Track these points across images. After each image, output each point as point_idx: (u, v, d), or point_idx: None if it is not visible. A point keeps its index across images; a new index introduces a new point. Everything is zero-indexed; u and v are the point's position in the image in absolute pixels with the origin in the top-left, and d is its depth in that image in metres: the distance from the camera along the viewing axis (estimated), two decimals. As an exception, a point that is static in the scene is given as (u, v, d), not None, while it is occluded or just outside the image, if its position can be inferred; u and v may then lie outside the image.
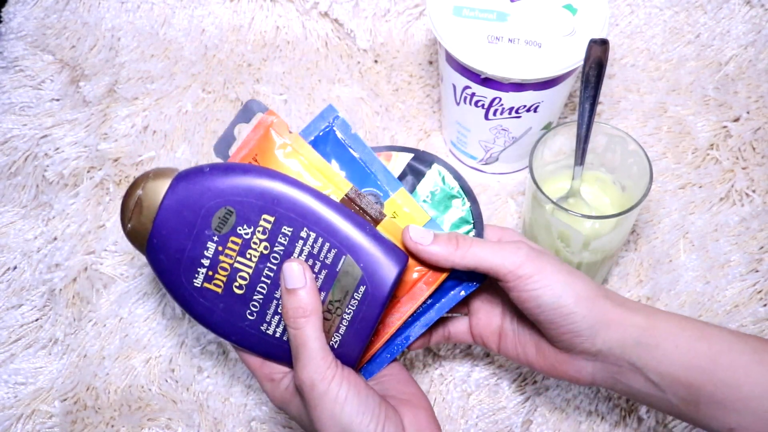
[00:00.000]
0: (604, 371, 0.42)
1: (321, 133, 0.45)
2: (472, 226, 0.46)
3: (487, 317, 0.47)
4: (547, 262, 0.41)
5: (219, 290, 0.41)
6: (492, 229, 0.46)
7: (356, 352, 0.41)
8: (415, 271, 0.44)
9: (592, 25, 0.56)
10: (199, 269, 0.40)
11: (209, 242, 0.40)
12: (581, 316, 0.40)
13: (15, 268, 0.63)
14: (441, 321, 0.49)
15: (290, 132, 0.44)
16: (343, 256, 0.40)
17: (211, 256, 0.40)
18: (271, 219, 0.40)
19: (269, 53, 0.76)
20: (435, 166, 0.47)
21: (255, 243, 0.40)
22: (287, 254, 0.40)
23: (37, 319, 0.61)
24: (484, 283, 0.46)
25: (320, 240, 0.40)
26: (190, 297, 0.41)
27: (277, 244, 0.40)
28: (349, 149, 0.45)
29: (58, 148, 0.69)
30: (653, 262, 0.61)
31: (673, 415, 0.42)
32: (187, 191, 0.40)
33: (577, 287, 0.41)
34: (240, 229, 0.40)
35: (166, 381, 0.57)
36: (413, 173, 0.47)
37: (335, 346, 0.41)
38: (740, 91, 0.70)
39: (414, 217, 0.45)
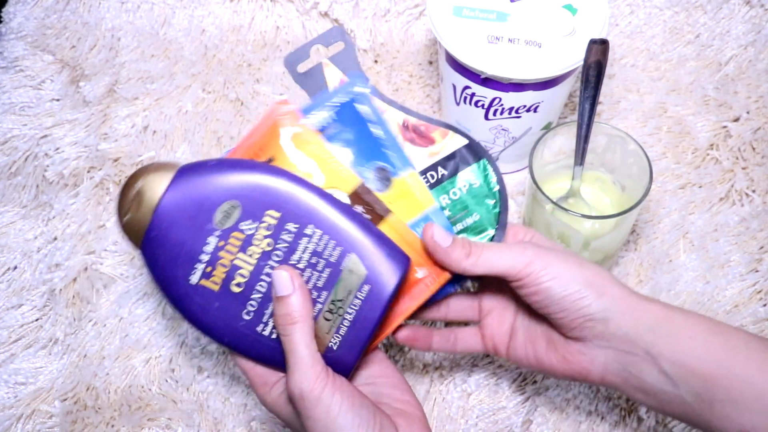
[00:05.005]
0: (616, 362, 0.41)
1: (343, 101, 0.45)
2: (493, 232, 0.46)
3: (500, 317, 0.47)
4: (555, 256, 0.41)
5: (216, 288, 0.40)
6: (516, 230, 0.47)
7: (355, 354, 0.41)
8: (417, 271, 0.44)
9: (592, 25, 0.56)
10: (196, 265, 0.39)
11: (210, 237, 0.39)
12: (592, 299, 0.40)
13: (15, 268, 0.63)
14: (449, 330, 0.48)
15: (300, 123, 0.43)
16: (348, 254, 0.39)
17: (211, 251, 0.39)
18: (277, 215, 0.39)
19: (269, 53, 0.76)
20: (483, 161, 0.47)
21: (258, 239, 0.39)
22: (291, 251, 0.39)
23: (37, 319, 0.61)
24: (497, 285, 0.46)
25: (326, 237, 0.39)
26: (185, 294, 0.40)
27: (280, 241, 0.39)
28: (367, 123, 0.45)
29: (58, 148, 0.69)
30: (653, 262, 0.61)
31: (684, 420, 0.41)
32: (191, 184, 0.39)
33: (586, 274, 0.41)
34: (243, 225, 0.39)
35: (166, 381, 0.57)
36: (461, 158, 0.47)
37: (334, 348, 0.40)
38: (740, 91, 0.70)
39: (420, 200, 0.45)
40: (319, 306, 0.40)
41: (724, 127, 0.68)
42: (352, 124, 0.46)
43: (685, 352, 0.39)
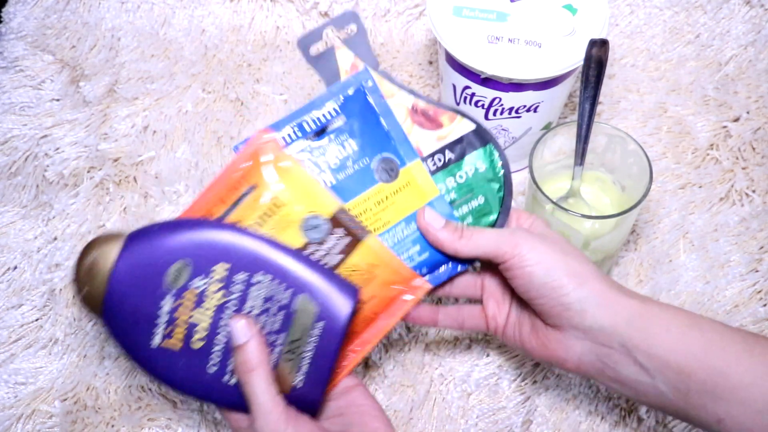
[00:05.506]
0: (592, 353, 0.42)
1: (352, 92, 0.46)
2: (496, 216, 0.47)
3: (501, 297, 0.48)
4: (542, 242, 0.42)
5: (178, 347, 0.41)
6: (520, 214, 0.48)
7: (320, 388, 0.42)
8: (392, 288, 0.44)
9: (592, 25, 0.56)
10: (155, 329, 0.40)
11: (165, 298, 0.40)
12: (571, 289, 0.41)
13: (15, 268, 0.63)
14: (456, 307, 0.50)
15: (281, 151, 0.45)
16: (299, 295, 0.40)
17: (167, 312, 0.40)
18: (227, 266, 0.40)
19: (269, 53, 0.76)
20: (489, 146, 0.48)
21: (210, 293, 0.40)
22: (243, 300, 0.40)
23: (37, 319, 0.61)
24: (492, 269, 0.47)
25: (275, 281, 0.40)
26: (149, 358, 0.41)
27: (233, 292, 0.40)
28: (377, 114, 0.46)
29: (58, 148, 0.69)
30: (653, 262, 0.61)
31: (660, 408, 0.42)
32: (140, 250, 0.40)
33: (569, 263, 0.42)
34: (195, 281, 0.40)
35: (166, 381, 0.57)
36: (468, 143, 0.48)
37: (299, 386, 0.41)
38: (740, 91, 0.70)
39: (424, 189, 0.46)
40: (279, 348, 0.41)
41: (724, 127, 0.68)
42: (360, 116, 0.46)
43: (661, 344, 0.40)
